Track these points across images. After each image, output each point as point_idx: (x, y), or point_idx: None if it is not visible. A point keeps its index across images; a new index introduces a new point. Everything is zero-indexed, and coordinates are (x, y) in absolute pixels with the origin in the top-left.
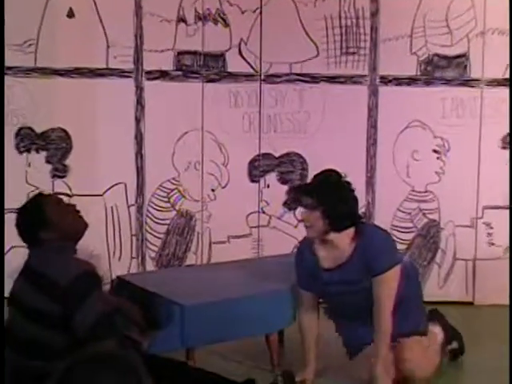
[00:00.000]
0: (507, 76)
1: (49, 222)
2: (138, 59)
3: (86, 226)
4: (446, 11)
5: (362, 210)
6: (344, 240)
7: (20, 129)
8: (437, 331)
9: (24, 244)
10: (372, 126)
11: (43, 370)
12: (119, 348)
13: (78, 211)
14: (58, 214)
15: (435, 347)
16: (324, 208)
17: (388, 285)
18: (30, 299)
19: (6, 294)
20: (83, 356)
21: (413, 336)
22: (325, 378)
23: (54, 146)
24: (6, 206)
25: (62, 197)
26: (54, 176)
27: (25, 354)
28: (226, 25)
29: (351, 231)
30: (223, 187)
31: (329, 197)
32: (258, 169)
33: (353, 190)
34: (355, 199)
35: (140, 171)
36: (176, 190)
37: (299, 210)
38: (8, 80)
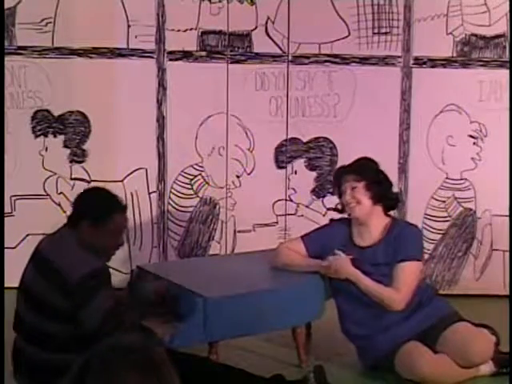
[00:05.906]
0: None
1: (97, 222)
2: (160, 39)
3: (122, 243)
4: None
5: None
6: (380, 224)
7: (36, 112)
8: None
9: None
10: (405, 109)
11: (59, 362)
12: (140, 340)
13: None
14: (109, 222)
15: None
16: (367, 181)
17: (409, 274)
18: (39, 291)
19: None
20: (102, 348)
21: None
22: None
23: (72, 129)
24: (21, 192)
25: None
26: (71, 161)
27: (37, 345)
28: (252, 3)
29: (387, 219)
30: (248, 173)
31: (371, 172)
32: (285, 154)
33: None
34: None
35: (161, 156)
36: (199, 177)
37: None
38: (20, 60)
